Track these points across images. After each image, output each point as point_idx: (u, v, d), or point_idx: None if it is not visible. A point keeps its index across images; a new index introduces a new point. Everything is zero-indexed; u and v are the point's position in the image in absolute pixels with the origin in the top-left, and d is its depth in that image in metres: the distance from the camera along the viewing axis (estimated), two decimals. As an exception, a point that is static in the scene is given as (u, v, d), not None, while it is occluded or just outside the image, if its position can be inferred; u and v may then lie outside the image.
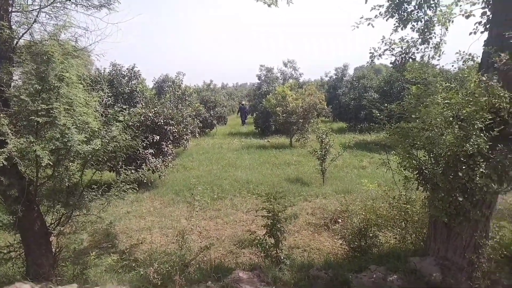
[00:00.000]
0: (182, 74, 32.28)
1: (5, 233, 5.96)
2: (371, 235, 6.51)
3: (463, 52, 5.45)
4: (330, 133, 13.24)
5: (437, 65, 5.96)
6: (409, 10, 6.35)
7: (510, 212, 6.07)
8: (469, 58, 5.42)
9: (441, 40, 6.34)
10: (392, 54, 6.54)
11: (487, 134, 4.38)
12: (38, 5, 5.23)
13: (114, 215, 9.43)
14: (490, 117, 4.40)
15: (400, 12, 6.31)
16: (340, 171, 14.61)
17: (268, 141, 23.98)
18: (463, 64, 5.51)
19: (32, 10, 5.23)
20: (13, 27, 5.03)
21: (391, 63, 6.71)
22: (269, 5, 6.47)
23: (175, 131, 13.70)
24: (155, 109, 13.18)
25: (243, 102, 38.56)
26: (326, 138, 12.86)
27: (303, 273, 5.39)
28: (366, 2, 6.37)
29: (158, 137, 12.53)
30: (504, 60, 4.44)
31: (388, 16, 6.36)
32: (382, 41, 6.45)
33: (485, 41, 5.13)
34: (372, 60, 6.80)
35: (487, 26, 5.28)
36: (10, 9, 5.07)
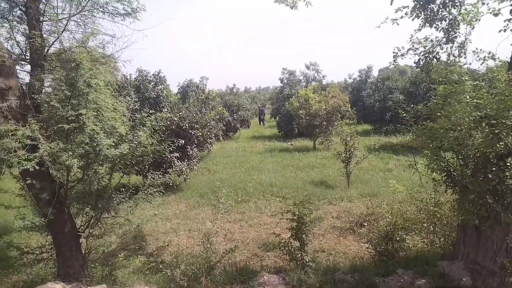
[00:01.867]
0: (205, 78, 32.49)
1: (37, 235, 6.17)
2: (398, 238, 6.39)
3: (480, 50, 5.29)
4: (355, 135, 13.09)
5: (461, 63, 5.81)
6: (434, 9, 6.22)
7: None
8: (489, 57, 5.26)
9: (466, 39, 6.18)
10: (416, 54, 6.41)
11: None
12: (67, 13, 5.43)
13: (141, 218, 9.55)
14: None
15: (426, 12, 6.19)
16: (365, 174, 14.42)
17: (291, 144, 23.91)
18: (487, 64, 5.35)
19: (62, 19, 5.43)
20: (44, 35, 5.23)
21: (414, 62, 6.59)
22: (291, 7, 6.52)
23: (200, 135, 13.87)
24: (180, 113, 13.38)
25: (259, 104, 45.76)
26: (350, 141, 12.72)
27: (328, 277, 5.35)
28: (391, 4, 6.29)
29: (183, 141, 12.75)
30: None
31: (414, 16, 6.25)
32: (410, 40, 6.34)
33: (514, 39, 4.97)
34: (395, 60, 6.68)
35: (517, 24, 5.12)
36: (42, 18, 5.28)
